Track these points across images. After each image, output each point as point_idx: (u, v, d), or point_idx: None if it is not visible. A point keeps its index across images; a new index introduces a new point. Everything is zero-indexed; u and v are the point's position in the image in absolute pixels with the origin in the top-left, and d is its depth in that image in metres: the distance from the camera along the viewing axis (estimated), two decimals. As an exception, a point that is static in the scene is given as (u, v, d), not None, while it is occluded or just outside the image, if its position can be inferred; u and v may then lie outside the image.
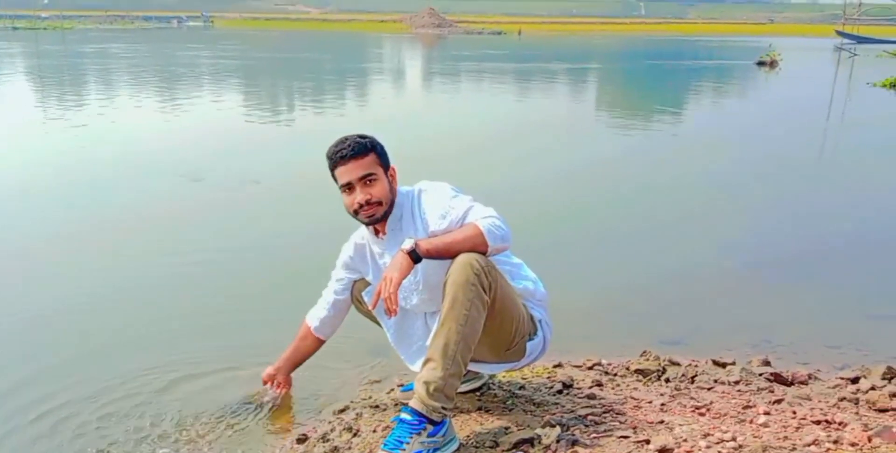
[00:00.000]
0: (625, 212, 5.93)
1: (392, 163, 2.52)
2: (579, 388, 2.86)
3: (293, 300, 3.20)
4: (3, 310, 3.79)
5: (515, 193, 6.24)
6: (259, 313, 3.77)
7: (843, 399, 2.73)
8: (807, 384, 2.94)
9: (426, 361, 2.27)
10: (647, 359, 3.16)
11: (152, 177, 6.85)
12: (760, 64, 23.47)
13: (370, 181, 2.42)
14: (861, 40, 42.34)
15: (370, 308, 2.45)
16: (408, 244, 2.29)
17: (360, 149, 2.42)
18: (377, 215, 2.45)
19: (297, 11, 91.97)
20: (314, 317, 2.80)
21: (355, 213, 2.46)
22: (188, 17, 65.20)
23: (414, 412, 2.22)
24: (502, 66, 23.56)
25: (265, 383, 2.88)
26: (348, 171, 2.42)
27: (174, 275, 4.33)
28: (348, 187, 2.44)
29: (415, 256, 2.28)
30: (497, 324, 2.35)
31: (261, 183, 6.75)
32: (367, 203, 2.42)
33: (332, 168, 2.46)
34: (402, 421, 2.23)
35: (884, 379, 2.98)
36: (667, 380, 2.94)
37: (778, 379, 2.95)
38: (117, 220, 5.45)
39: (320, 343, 2.85)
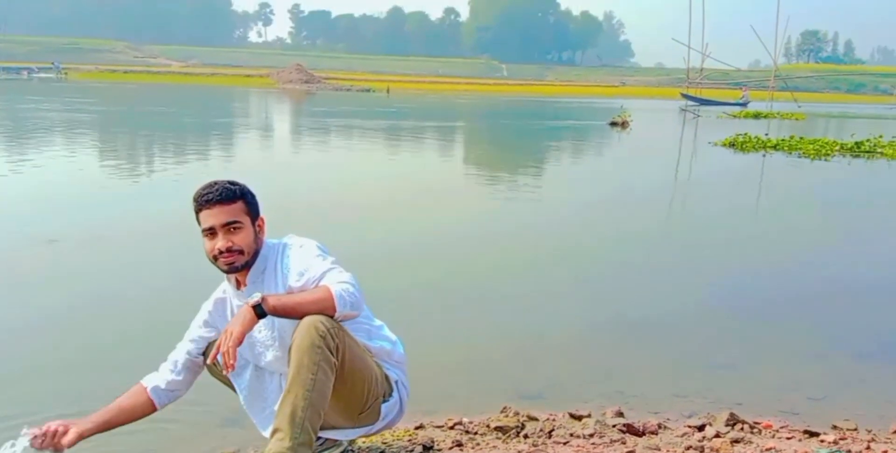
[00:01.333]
0: (486, 270, 6.04)
1: (262, 214, 2.48)
2: (440, 450, 2.84)
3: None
4: None
5: (381, 251, 6.26)
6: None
7: (689, 447, 2.85)
8: (657, 434, 3.05)
9: (274, 431, 2.20)
10: (507, 415, 3.20)
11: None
12: (613, 124, 24.94)
13: (234, 228, 2.37)
14: (703, 102, 45.96)
15: (209, 361, 2.35)
16: (255, 298, 2.24)
17: (227, 195, 2.38)
18: (237, 264, 2.39)
19: (159, 64, 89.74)
20: (156, 378, 2.55)
21: (214, 259, 2.39)
22: (39, 68, 62.25)
23: None
24: (372, 123, 23.83)
25: (34, 438, 2.26)
26: (213, 216, 2.37)
27: None
28: (210, 232, 2.38)
29: (259, 311, 2.22)
30: (348, 386, 2.32)
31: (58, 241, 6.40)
32: (228, 250, 2.37)
33: (197, 211, 2.40)
34: None
35: (727, 425, 3.14)
36: (525, 437, 2.98)
37: (630, 429, 3.05)
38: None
39: (151, 409, 2.53)
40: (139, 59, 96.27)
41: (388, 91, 54.41)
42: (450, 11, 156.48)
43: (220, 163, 12.60)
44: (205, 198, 2.37)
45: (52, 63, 64.66)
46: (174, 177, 10.42)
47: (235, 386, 2.54)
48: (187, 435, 3.03)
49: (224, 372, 2.34)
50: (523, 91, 71.32)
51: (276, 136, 19.60)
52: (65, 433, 2.30)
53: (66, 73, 59.59)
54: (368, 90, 56.08)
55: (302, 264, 2.40)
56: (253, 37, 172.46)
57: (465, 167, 14.20)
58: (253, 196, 2.47)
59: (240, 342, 2.18)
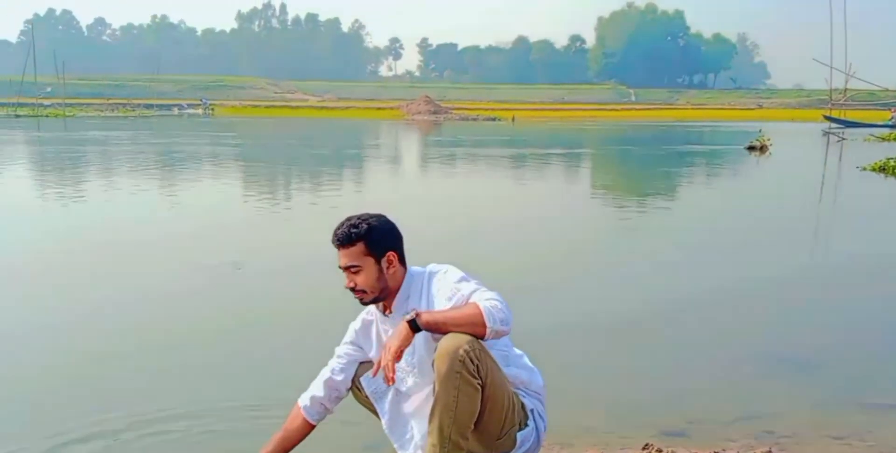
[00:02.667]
0: (627, 300, 5.90)
1: (393, 248, 2.55)
2: (581, 484, 2.78)
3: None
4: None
5: (518, 276, 6.24)
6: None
7: (850, 494, 2.66)
8: (813, 478, 2.87)
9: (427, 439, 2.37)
10: (650, 453, 3.10)
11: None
12: (751, 148, 23.95)
13: (354, 271, 2.50)
14: (849, 124, 43.31)
15: (373, 375, 2.48)
16: (409, 314, 2.37)
17: (345, 240, 2.51)
18: (364, 301, 2.56)
19: (297, 99, 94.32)
20: (305, 397, 2.72)
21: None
22: (188, 105, 66.71)
23: None
24: (499, 151, 24.00)
25: None
26: (339, 257, 2.54)
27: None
28: (341, 269, 2.55)
29: (414, 326, 2.34)
30: (487, 409, 2.37)
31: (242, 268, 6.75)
32: (353, 289, 2.52)
33: None
34: None
35: (891, 472, 2.91)
36: (670, 475, 2.87)
37: (783, 472, 2.88)
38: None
39: (309, 427, 2.71)
40: (279, 94, 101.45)
41: (513, 119, 54.62)
42: (575, 38, 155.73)
43: (353, 193, 13.05)
44: (333, 240, 2.55)
45: (201, 100, 69.22)
46: (321, 205, 10.86)
47: (378, 410, 2.63)
48: None
49: (387, 384, 2.46)
50: (653, 116, 69.82)
51: (407, 166, 20.10)
52: None
53: (212, 109, 63.55)
54: (494, 119, 56.52)
55: (448, 288, 2.48)
56: (384, 71, 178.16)
57: (595, 197, 14.01)
58: (378, 233, 2.52)
59: (398, 356, 2.33)
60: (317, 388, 2.70)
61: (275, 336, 4.82)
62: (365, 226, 2.52)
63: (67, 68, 64.45)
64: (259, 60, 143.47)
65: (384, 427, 2.62)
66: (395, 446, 2.60)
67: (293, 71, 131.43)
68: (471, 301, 2.40)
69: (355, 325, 2.71)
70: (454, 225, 9.34)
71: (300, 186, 14.54)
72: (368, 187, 14.37)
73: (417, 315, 2.35)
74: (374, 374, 2.44)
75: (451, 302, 2.44)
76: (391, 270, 2.54)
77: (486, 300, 2.38)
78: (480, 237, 8.52)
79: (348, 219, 2.54)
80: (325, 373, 2.71)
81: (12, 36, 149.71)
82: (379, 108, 68.71)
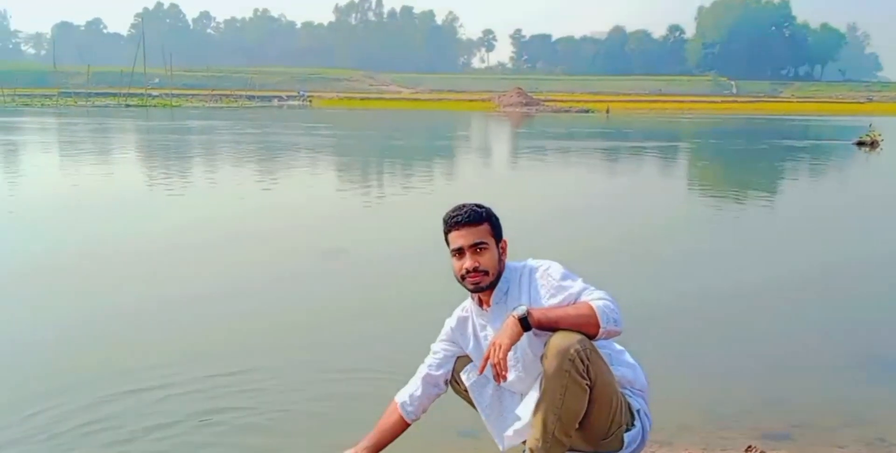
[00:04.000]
0: (729, 295, 5.72)
1: (504, 238, 2.57)
2: (680, 484, 2.72)
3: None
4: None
5: (616, 272, 6.13)
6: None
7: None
8: (931, 490, 2.72)
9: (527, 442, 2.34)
10: (752, 455, 3.00)
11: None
12: (860, 144, 22.79)
13: (480, 249, 2.48)
14: (968, 119, 40.62)
15: (479, 371, 2.46)
16: (520, 310, 2.33)
17: (475, 217, 2.49)
18: (482, 284, 2.49)
19: (391, 91, 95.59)
20: (403, 393, 2.72)
21: (461, 279, 2.51)
22: (287, 97, 68.56)
23: None
24: (594, 144, 23.66)
25: None
26: (461, 237, 2.49)
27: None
28: (459, 252, 2.50)
29: (525, 324, 2.31)
30: (594, 410, 2.34)
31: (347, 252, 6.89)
32: (475, 270, 2.47)
33: (447, 232, 2.54)
34: None
35: None
36: (775, 479, 2.78)
37: (898, 483, 2.74)
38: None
39: (405, 425, 2.70)
40: (374, 86, 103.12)
41: (607, 112, 53.74)
42: (674, 29, 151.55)
43: (445, 185, 13.12)
44: (454, 219, 2.50)
45: (299, 92, 71.08)
46: (417, 197, 11.00)
47: (476, 403, 2.62)
48: (424, 444, 3.10)
49: (497, 383, 2.43)
50: (755, 109, 67.34)
51: (498, 158, 20.07)
52: None
53: (310, 101, 65.17)
54: (587, 111, 55.78)
55: (552, 285, 2.45)
56: (476, 62, 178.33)
57: (695, 190, 13.64)
58: (497, 219, 2.57)
59: (507, 352, 2.29)
60: (414, 386, 2.69)
61: (375, 321, 4.92)
62: (485, 209, 2.54)
63: (174, 60, 67.48)
64: (355, 53, 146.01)
65: (483, 419, 2.62)
66: (495, 439, 2.59)
67: (388, 63, 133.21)
68: (581, 300, 2.37)
69: (451, 322, 2.69)
70: (552, 218, 9.25)
71: (393, 177, 14.73)
72: (461, 179, 14.42)
73: (528, 312, 2.31)
74: (482, 371, 2.42)
75: (556, 299, 2.40)
76: (503, 258, 2.55)
77: (597, 299, 2.35)
78: (578, 229, 8.42)
79: (462, 205, 2.54)
80: (422, 370, 2.71)
81: (123, 29, 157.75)
82: (471, 100, 68.90)
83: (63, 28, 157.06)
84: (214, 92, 72.81)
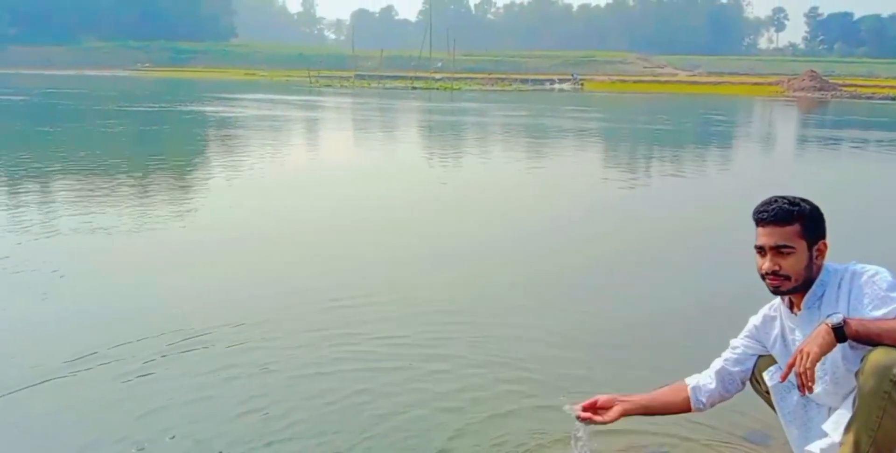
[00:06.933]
0: None
1: (824, 237, 2.35)
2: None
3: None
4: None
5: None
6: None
7: None
8: None
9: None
10: None
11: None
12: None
13: (783, 252, 2.30)
14: None
15: (781, 379, 2.29)
16: (835, 319, 2.15)
17: (782, 217, 2.30)
18: (782, 289, 2.34)
19: (666, 74, 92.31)
20: (695, 379, 2.60)
21: (762, 277, 2.37)
22: (559, 80, 69.03)
23: None
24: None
25: (583, 409, 2.51)
26: (765, 235, 2.33)
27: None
28: (761, 250, 2.35)
29: (839, 334, 2.12)
30: None
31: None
32: (774, 273, 2.31)
33: (756, 225, 2.38)
34: None
35: None
36: None
37: None
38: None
39: (686, 408, 2.58)
40: (648, 69, 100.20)
41: (919, 99, 47.38)
42: None
43: (726, 175, 12.56)
44: (760, 215, 2.34)
45: (571, 75, 71.15)
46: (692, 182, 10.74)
47: (777, 408, 2.48)
48: (705, 441, 3.05)
49: (801, 393, 2.25)
50: None
51: (786, 147, 18.70)
52: (608, 408, 2.50)
53: (582, 84, 65.00)
54: (894, 99, 49.63)
55: (877, 294, 2.23)
56: (763, 43, 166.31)
57: None
58: (816, 218, 2.35)
59: (816, 362, 2.12)
60: (708, 377, 2.58)
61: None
62: (806, 206, 2.33)
63: (457, 45, 70.67)
64: (631, 35, 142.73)
65: (783, 425, 2.49)
66: (794, 449, 2.46)
67: (665, 45, 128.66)
68: None
69: (755, 320, 2.55)
70: (852, 216, 8.45)
71: (656, 163, 14.38)
72: (736, 168, 13.69)
73: (845, 322, 2.12)
74: (784, 378, 2.24)
75: (881, 311, 2.18)
76: (819, 261, 2.34)
77: None
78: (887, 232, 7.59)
79: (777, 198, 2.34)
80: (717, 364, 2.59)
81: (412, 16, 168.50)
82: (755, 84, 64.39)
83: (360, 15, 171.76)
84: (491, 76, 75.35)
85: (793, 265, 2.29)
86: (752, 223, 2.39)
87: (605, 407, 2.51)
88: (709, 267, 5.97)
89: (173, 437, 3.00)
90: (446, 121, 24.39)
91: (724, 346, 2.65)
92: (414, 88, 55.54)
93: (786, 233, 2.29)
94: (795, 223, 2.29)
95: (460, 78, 68.25)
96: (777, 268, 2.30)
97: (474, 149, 15.41)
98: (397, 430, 3.08)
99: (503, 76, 74.33)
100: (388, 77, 66.46)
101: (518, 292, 5.14)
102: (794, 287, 2.31)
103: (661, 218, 7.97)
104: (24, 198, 8.27)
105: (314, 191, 9.44)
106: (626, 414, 2.53)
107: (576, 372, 3.72)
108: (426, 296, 4.96)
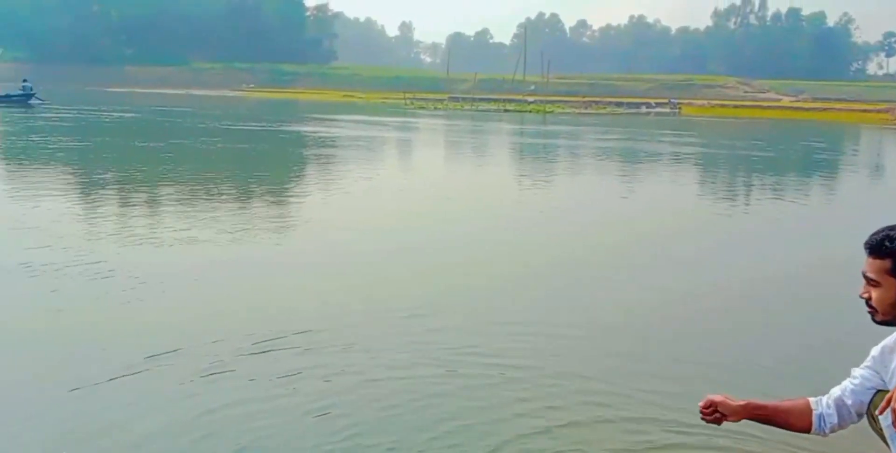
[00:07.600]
0: None
1: None
2: None
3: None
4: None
5: None
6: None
7: None
8: None
9: None
10: None
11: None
12: None
13: (871, 285, 2.29)
14: None
15: (878, 412, 2.20)
16: None
17: (874, 249, 2.29)
18: (873, 318, 2.32)
19: (768, 99, 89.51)
20: (820, 404, 2.49)
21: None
22: (656, 104, 68.01)
23: None
24: None
25: (705, 408, 2.49)
26: (866, 263, 2.32)
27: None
28: (864, 276, 2.33)
29: None
30: None
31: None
32: (867, 302, 2.32)
33: None
34: None
35: None
36: None
37: None
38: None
39: (806, 428, 2.48)
40: (749, 93, 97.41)
41: None
42: None
43: (825, 206, 12.18)
44: (866, 243, 2.33)
45: (668, 99, 70.02)
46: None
47: (892, 447, 2.34)
48: None
49: (894, 428, 2.16)
50: None
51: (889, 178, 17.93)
52: (724, 409, 2.46)
53: (679, 108, 63.85)
54: None
55: None
56: (872, 69, 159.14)
57: None
58: None
59: None
60: (828, 404, 2.48)
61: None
62: None
63: (551, 68, 70.75)
64: (731, 59, 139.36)
65: None
66: None
67: (767, 70, 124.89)
68: None
69: (875, 350, 2.43)
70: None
71: (756, 191, 14.04)
72: (838, 200, 13.24)
73: None
74: (882, 412, 2.14)
75: None
76: None
77: None
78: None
79: (887, 228, 2.29)
80: (835, 392, 2.49)
81: (507, 39, 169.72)
82: (863, 111, 61.65)
83: (456, 38, 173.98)
84: (585, 99, 74.95)
85: (878, 299, 2.27)
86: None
87: (724, 408, 2.46)
88: (833, 305, 5.69)
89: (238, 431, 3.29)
90: (537, 143, 24.48)
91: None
92: (506, 111, 55.79)
93: (874, 267, 2.28)
94: (886, 259, 2.25)
95: (553, 101, 68.19)
96: (868, 297, 2.30)
97: (567, 174, 15.46)
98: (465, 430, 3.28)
99: (597, 99, 73.82)
100: (480, 99, 67.06)
101: (621, 327, 5.19)
102: (885, 320, 2.29)
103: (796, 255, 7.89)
104: (125, 210, 8.90)
105: (406, 212, 9.76)
106: (750, 416, 2.49)
107: (666, 389, 3.84)
108: (521, 318, 5.10)
